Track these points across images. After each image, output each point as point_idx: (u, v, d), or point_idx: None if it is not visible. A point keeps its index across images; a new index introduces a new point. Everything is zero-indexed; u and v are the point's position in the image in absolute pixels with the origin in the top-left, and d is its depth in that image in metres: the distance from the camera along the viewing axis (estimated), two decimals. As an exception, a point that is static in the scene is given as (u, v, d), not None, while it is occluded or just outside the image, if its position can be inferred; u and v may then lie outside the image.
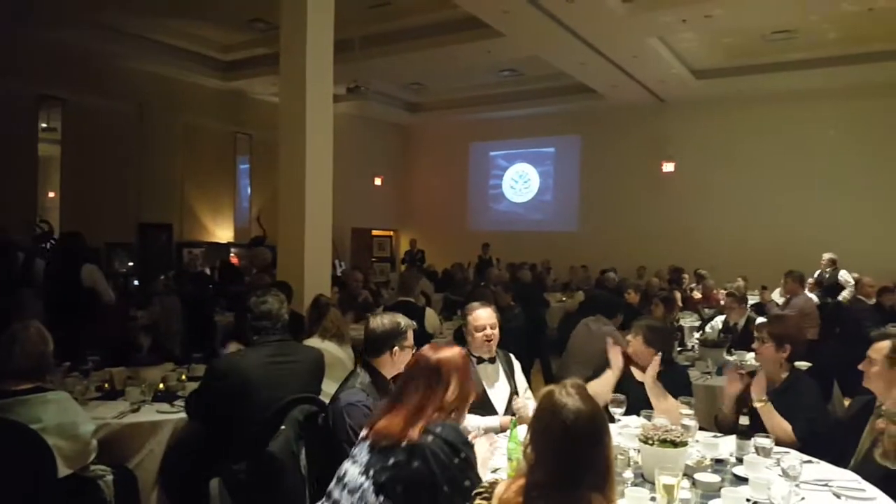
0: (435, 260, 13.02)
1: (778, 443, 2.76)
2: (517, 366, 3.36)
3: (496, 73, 11.89)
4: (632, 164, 12.82)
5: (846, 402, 4.18)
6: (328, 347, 3.90)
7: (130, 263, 10.43)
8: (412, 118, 14.77)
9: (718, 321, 5.85)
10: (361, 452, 1.99)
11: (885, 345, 2.72)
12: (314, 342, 3.87)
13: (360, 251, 13.96)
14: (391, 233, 15.31)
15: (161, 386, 3.53)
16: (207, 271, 9.72)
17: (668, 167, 12.43)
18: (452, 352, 2.11)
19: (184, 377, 3.77)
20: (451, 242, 13.26)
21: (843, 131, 10.87)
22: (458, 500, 1.88)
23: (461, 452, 1.93)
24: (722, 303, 6.74)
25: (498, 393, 3.19)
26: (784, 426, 3.00)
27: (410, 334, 2.77)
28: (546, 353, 6.64)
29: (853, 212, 10.64)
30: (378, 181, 14.67)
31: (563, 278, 11.00)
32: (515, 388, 3.25)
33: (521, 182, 14.80)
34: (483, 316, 3.19)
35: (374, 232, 14.68)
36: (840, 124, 10.89)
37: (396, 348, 2.69)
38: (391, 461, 1.90)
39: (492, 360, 3.22)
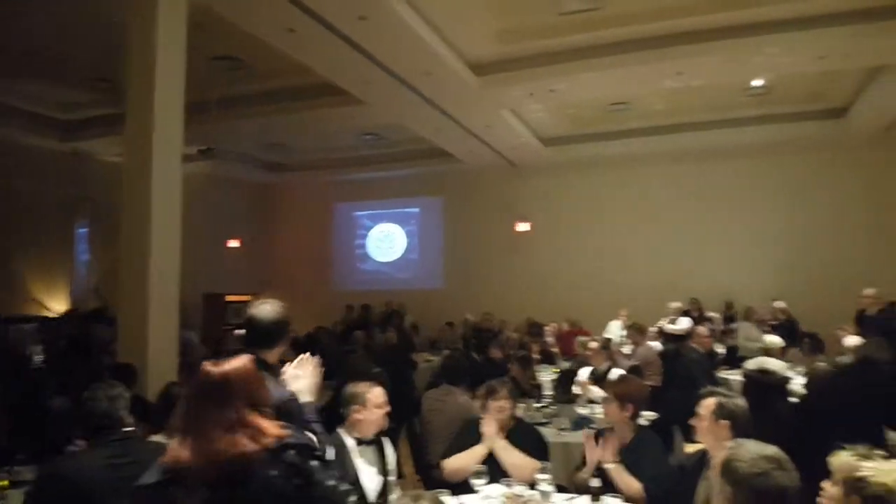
0: (299, 323, 12.61)
1: (629, 501, 2.90)
2: (391, 453, 3.30)
3: (359, 136, 12.06)
4: (490, 223, 13.36)
5: (687, 448, 4.48)
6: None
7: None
8: (274, 178, 14.52)
9: (584, 372, 6.10)
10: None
11: (710, 402, 2.94)
12: (164, 439, 3.56)
13: (213, 319, 13.12)
14: (248, 297, 14.66)
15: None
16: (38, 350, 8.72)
17: (523, 227, 13.09)
18: (238, 361, 1.95)
19: (5, 484, 3.25)
20: (315, 305, 12.96)
21: (676, 189, 12.05)
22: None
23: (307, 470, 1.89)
24: (585, 352, 7.06)
25: (372, 479, 3.11)
26: (634, 485, 3.15)
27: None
28: (413, 419, 6.57)
29: (695, 257, 11.72)
30: (235, 243, 14.13)
31: (435, 336, 11.16)
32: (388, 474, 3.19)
33: (386, 242, 14.89)
34: (380, 393, 3.17)
35: (229, 297, 13.87)
36: (672, 183, 12.07)
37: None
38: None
39: (369, 443, 3.16)
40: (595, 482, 2.96)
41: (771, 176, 11.53)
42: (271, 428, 1.85)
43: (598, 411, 4.77)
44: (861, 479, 1.83)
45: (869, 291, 6.47)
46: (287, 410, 2.20)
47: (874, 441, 3.88)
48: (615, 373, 5.52)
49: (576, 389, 5.69)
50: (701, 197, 11.91)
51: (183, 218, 5.48)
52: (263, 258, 15.04)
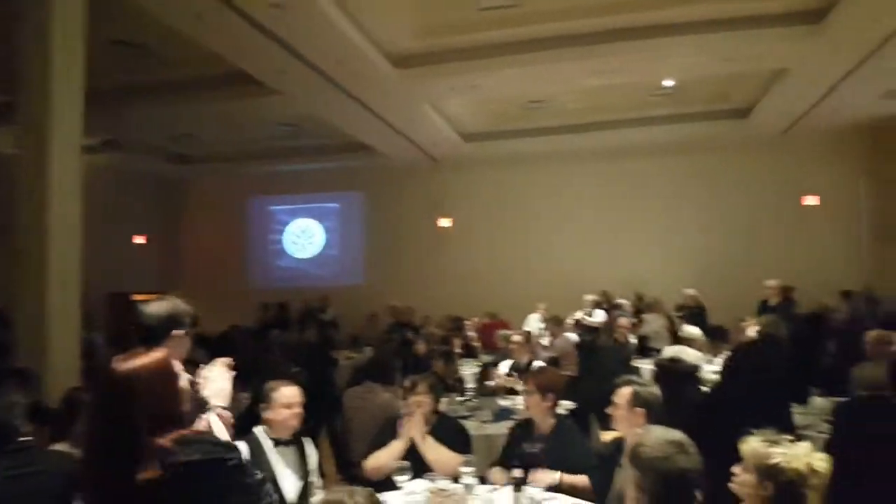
0: (213, 323, 12.14)
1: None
2: (312, 453, 3.20)
3: (275, 127, 11.70)
4: (412, 219, 13.32)
5: (602, 435, 4.62)
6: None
7: None
8: (184, 171, 13.89)
9: (505, 365, 6.17)
10: None
11: (626, 391, 3.04)
12: (66, 447, 3.31)
13: (119, 320, 12.40)
14: (156, 296, 13.93)
15: None
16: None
17: (445, 222, 13.14)
18: (146, 358, 1.82)
19: None
20: (230, 303, 12.51)
21: (592, 185, 12.43)
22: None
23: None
24: (509, 346, 7.14)
25: (291, 480, 3.00)
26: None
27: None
28: (333, 417, 6.46)
29: (610, 251, 12.13)
30: (141, 240, 13.45)
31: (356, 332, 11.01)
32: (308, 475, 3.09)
33: (304, 237, 14.58)
34: (290, 393, 3.05)
35: (136, 296, 13.16)
36: (589, 179, 12.44)
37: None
38: None
39: (288, 444, 3.05)
40: (517, 473, 2.98)
41: (681, 173, 12.08)
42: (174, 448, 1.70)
43: (519, 403, 4.84)
44: (774, 466, 1.90)
45: (771, 283, 6.87)
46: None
47: (782, 419, 4.15)
48: (536, 365, 5.62)
49: (491, 382, 5.76)
50: (616, 193, 12.34)
51: (84, 213, 5.16)
52: (172, 255, 14.41)
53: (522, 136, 11.69)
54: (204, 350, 8.80)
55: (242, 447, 2.58)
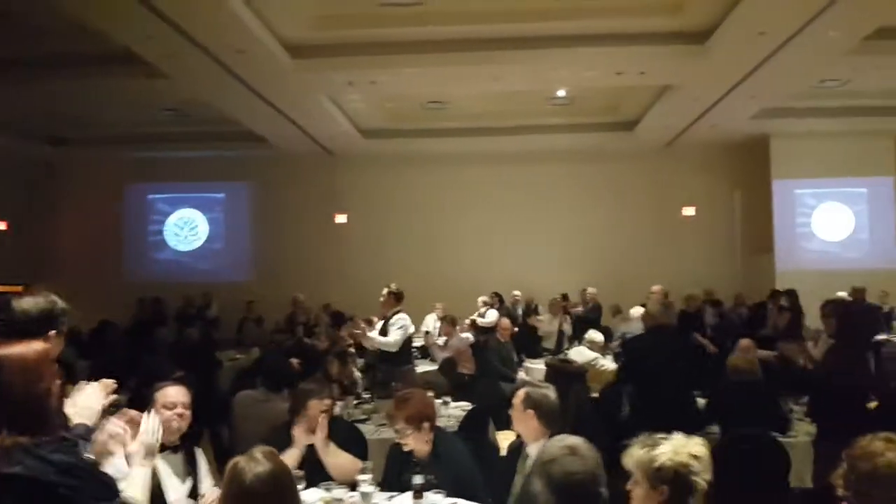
0: (84, 318, 11.21)
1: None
2: (203, 461, 2.98)
3: (158, 111, 10.97)
4: (305, 213, 12.94)
5: (499, 435, 4.65)
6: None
7: None
8: (54, 153, 12.68)
9: None
10: None
11: (520, 393, 3.05)
12: None
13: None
14: (19, 289, 12.72)
15: None
16: None
17: (341, 218, 12.89)
18: (22, 347, 1.64)
19: None
20: (103, 297, 11.58)
21: (487, 188, 12.65)
22: None
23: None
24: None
25: (178, 490, 2.77)
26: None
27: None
28: (217, 422, 6.12)
29: (503, 254, 12.39)
30: (1, 226, 12.22)
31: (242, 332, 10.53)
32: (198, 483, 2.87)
33: (186, 229, 13.79)
34: (173, 392, 2.83)
35: (-5, 287, 11.94)
36: (484, 183, 12.63)
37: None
38: None
39: (175, 450, 2.81)
40: (418, 479, 2.92)
41: (573, 181, 12.54)
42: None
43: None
44: (661, 468, 1.91)
45: (656, 288, 7.25)
46: None
47: (686, 400, 4.40)
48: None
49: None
50: (512, 197, 12.60)
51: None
52: (39, 244, 13.16)
53: (422, 136, 11.69)
54: (73, 348, 8.15)
55: (120, 464, 2.35)
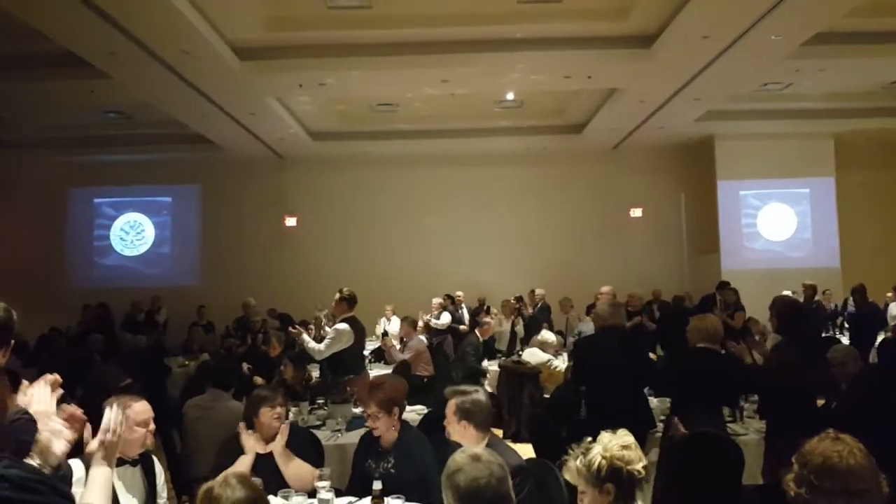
0: (26, 326, 10.75)
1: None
2: (160, 473, 2.92)
3: (101, 114, 10.65)
4: (255, 216, 12.79)
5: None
6: None
7: None
8: (-9, 157, 12.20)
9: None
10: None
11: (451, 403, 2.94)
12: None
13: None
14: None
15: None
16: None
17: (291, 221, 12.76)
18: None
19: None
20: (46, 304, 11.16)
21: (438, 190, 12.71)
22: None
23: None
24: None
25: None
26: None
27: None
28: (167, 429, 5.99)
29: (455, 255, 12.44)
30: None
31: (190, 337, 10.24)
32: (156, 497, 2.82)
33: (132, 233, 13.42)
34: (142, 408, 2.77)
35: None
36: (435, 185, 12.70)
37: None
38: None
39: (134, 463, 2.75)
40: (377, 485, 2.93)
41: (522, 183, 12.72)
42: None
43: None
44: (598, 468, 1.95)
45: (605, 289, 7.40)
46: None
47: (637, 399, 4.49)
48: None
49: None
50: (462, 199, 12.70)
51: None
52: (-26, 250, 12.60)
53: (371, 138, 11.68)
54: (16, 357, 7.84)
55: (77, 467, 2.28)
